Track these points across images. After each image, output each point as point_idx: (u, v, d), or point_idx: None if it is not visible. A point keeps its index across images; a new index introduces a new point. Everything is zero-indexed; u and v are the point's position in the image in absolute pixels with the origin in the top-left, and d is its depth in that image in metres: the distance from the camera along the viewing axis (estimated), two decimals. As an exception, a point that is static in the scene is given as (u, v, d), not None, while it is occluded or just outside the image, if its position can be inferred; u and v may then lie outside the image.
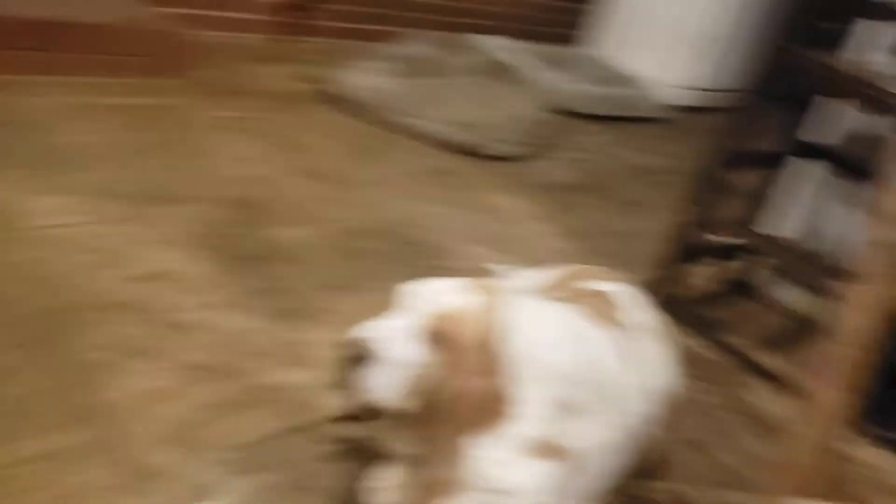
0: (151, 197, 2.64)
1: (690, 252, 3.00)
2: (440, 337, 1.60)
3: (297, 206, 2.90)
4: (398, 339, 1.61)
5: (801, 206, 3.43)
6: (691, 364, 2.78)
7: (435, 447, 1.60)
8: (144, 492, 1.63)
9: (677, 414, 2.44)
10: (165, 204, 2.63)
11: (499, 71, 4.40)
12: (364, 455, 1.82)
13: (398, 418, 1.67)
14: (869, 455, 2.61)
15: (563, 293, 2.14)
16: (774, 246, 2.92)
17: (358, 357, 1.59)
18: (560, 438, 1.70)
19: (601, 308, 2.04)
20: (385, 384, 1.60)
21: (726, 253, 3.36)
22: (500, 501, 1.71)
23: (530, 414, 1.68)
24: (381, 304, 1.76)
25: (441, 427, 1.60)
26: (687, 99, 5.85)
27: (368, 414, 1.80)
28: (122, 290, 2.17)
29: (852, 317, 1.57)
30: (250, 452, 1.81)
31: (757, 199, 3.30)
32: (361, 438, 1.81)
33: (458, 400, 1.59)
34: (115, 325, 2.04)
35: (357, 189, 3.18)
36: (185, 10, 4.08)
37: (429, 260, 2.86)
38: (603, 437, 1.75)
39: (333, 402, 2.03)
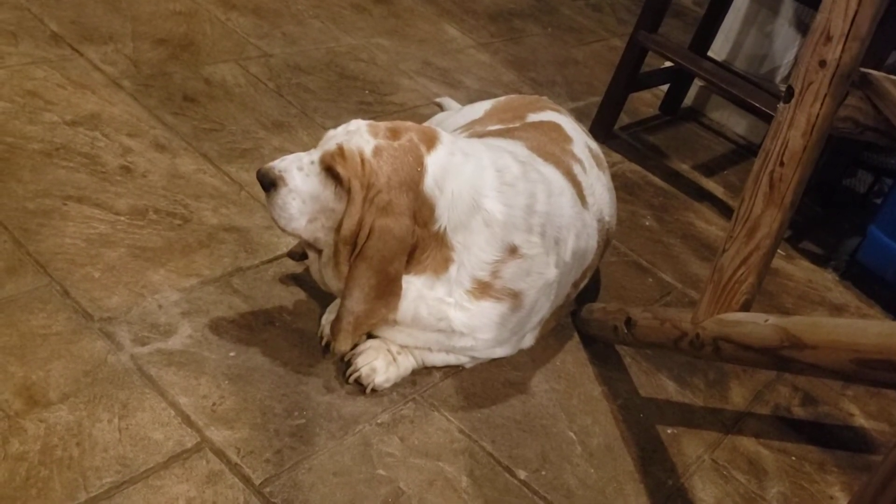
0: (74, 37, 2.53)
1: (635, 78, 3.00)
2: (335, 173, 1.63)
3: (228, 42, 2.81)
4: (301, 169, 1.66)
5: (744, 29, 3.42)
6: (639, 190, 2.85)
7: (350, 282, 1.64)
8: (104, 333, 1.66)
9: (620, 240, 2.52)
10: (88, 43, 2.53)
11: None
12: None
13: (329, 255, 1.71)
14: (800, 270, 2.75)
15: (509, 125, 2.14)
16: (717, 70, 2.93)
17: (270, 185, 1.67)
18: (504, 281, 1.75)
19: (550, 140, 2.05)
20: (288, 210, 1.66)
21: (670, 78, 3.37)
22: (448, 341, 1.79)
23: (475, 258, 1.72)
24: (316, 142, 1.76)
25: (357, 263, 1.63)
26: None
27: (304, 249, 1.84)
28: (60, 135, 2.12)
29: (788, 136, 1.60)
30: (204, 291, 1.84)
31: (702, 24, 3.27)
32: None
33: (373, 237, 1.61)
34: (57, 170, 2.00)
35: (293, 21, 3.07)
36: None
37: (370, 95, 2.82)
38: (547, 276, 1.81)
39: (285, 240, 2.05)
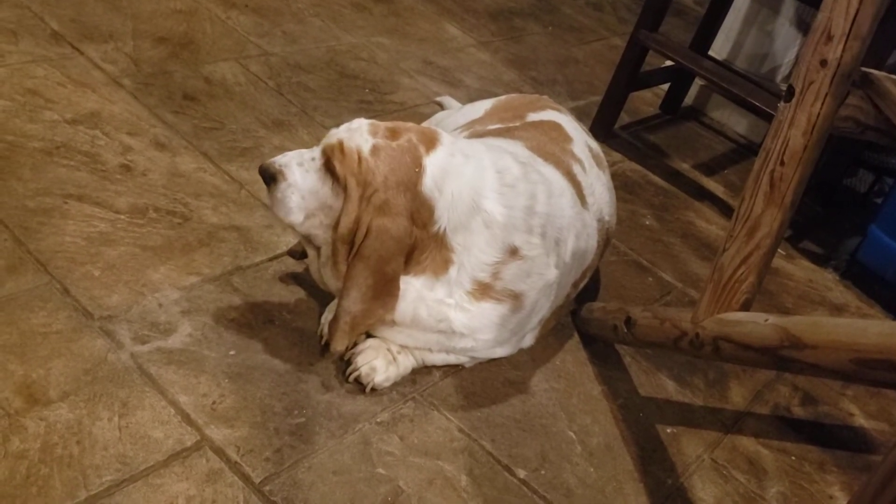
0: (74, 36, 2.53)
1: (635, 77, 3.00)
2: (332, 169, 1.64)
3: (229, 40, 2.80)
4: (301, 165, 1.67)
5: (745, 28, 3.41)
6: (639, 190, 2.85)
7: (347, 282, 1.65)
8: (104, 332, 1.66)
9: (620, 239, 2.52)
10: (88, 42, 2.52)
11: None
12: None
13: (328, 254, 1.71)
14: (800, 269, 2.75)
15: (509, 124, 2.14)
16: (718, 69, 2.93)
17: (270, 179, 1.68)
18: (504, 282, 1.75)
19: (550, 139, 2.05)
20: (287, 204, 1.67)
21: (671, 77, 3.37)
22: (448, 342, 1.79)
23: (475, 259, 1.72)
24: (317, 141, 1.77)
25: (354, 262, 1.63)
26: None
27: (304, 248, 1.84)
28: (60, 133, 2.12)
29: (789, 136, 1.60)
30: (204, 290, 1.84)
31: (703, 23, 3.27)
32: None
33: (370, 236, 1.61)
34: (57, 168, 2.00)
35: (293, 20, 3.07)
36: None
37: (370, 94, 2.82)
38: (547, 277, 1.80)
39: (285, 239, 2.06)
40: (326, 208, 1.67)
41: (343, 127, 1.70)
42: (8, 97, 2.18)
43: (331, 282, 1.73)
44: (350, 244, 1.65)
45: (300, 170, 1.67)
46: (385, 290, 1.66)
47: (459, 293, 1.73)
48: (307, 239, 1.74)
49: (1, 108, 2.13)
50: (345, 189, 1.63)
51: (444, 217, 1.67)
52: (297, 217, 1.68)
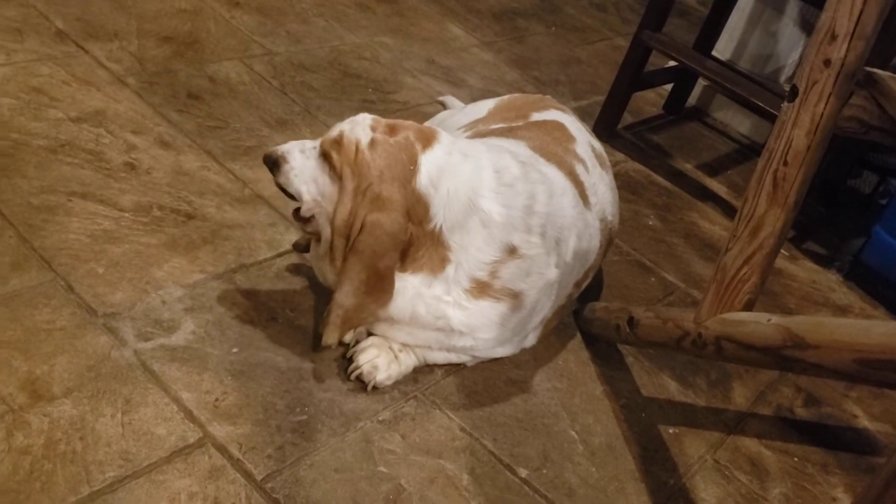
0: (79, 34, 2.53)
1: (638, 77, 3.00)
2: (331, 159, 1.67)
3: (233, 40, 2.81)
4: (303, 152, 1.72)
5: (748, 28, 3.41)
6: (642, 190, 2.85)
7: (341, 275, 1.65)
8: (108, 329, 1.67)
9: (623, 239, 2.52)
10: (93, 41, 2.53)
11: None
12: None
13: (326, 248, 1.72)
14: (803, 270, 2.74)
15: (512, 124, 2.14)
16: (721, 69, 2.93)
17: (273, 165, 1.73)
18: (503, 281, 1.75)
19: (553, 139, 2.05)
20: (293, 182, 1.72)
21: (674, 77, 3.36)
22: (448, 340, 1.79)
23: (472, 258, 1.72)
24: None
25: (350, 257, 1.64)
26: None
27: (308, 241, 1.86)
28: (65, 131, 2.12)
29: (792, 136, 1.60)
30: (208, 287, 1.84)
31: (706, 23, 3.27)
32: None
33: (364, 230, 1.62)
34: (62, 166, 2.01)
35: (297, 19, 3.08)
36: None
37: (374, 93, 2.82)
38: (547, 276, 1.80)
39: (288, 237, 2.06)
40: (325, 197, 1.69)
41: (348, 120, 1.72)
42: (13, 95, 2.18)
43: (329, 276, 1.74)
44: (346, 238, 1.66)
45: (301, 156, 1.71)
46: (378, 286, 1.66)
47: (457, 291, 1.73)
48: (309, 216, 1.76)
49: (6, 106, 2.14)
50: (340, 178, 1.65)
51: (440, 215, 1.68)
52: (300, 190, 1.72)
